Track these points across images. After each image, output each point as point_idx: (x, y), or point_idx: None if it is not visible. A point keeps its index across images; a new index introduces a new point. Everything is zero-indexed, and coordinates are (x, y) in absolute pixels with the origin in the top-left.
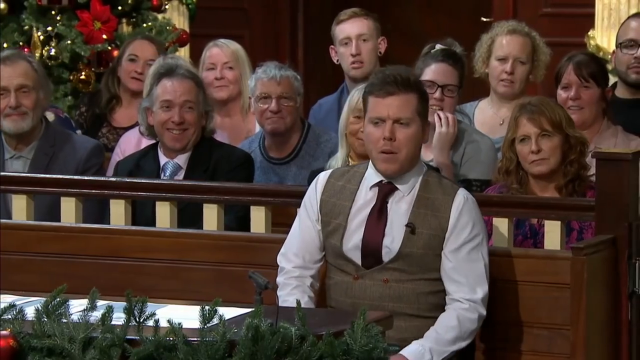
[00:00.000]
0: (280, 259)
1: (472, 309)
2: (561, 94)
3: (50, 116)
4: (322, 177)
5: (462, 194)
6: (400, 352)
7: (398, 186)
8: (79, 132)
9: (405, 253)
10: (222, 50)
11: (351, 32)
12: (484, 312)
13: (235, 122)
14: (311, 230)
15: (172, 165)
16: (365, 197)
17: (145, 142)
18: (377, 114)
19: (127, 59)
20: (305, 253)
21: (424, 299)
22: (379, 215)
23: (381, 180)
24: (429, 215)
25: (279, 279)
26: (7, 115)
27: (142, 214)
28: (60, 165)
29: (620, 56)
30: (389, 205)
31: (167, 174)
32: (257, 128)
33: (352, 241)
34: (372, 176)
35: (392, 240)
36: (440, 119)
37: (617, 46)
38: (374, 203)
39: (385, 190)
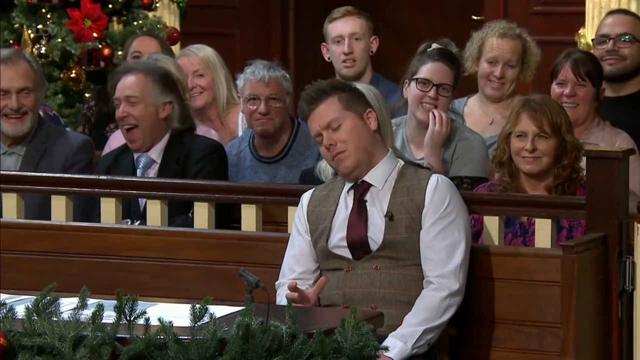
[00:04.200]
0: (277, 282)
1: (441, 287)
2: (555, 89)
3: None
4: (307, 194)
5: (436, 176)
6: None
7: (371, 182)
8: (68, 129)
9: (390, 240)
10: (189, 59)
11: (344, 30)
12: (456, 286)
13: (216, 127)
14: (302, 243)
15: (145, 158)
16: (346, 201)
17: None
18: (314, 133)
19: (132, 57)
20: (300, 266)
21: (415, 286)
22: (358, 213)
23: (355, 182)
24: (405, 200)
25: (278, 291)
26: (6, 116)
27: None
28: (51, 159)
29: (595, 53)
30: (367, 203)
31: (140, 166)
32: (240, 128)
33: (337, 239)
34: (349, 182)
35: (375, 231)
36: (434, 117)
37: (592, 43)
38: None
39: (361, 190)
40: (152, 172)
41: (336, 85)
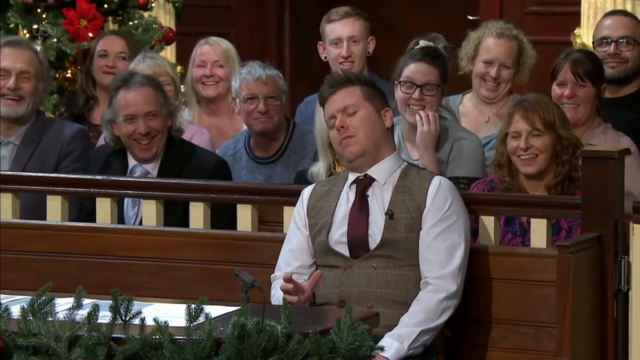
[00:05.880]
0: (273, 275)
1: (439, 289)
2: (556, 89)
3: None
4: (308, 188)
5: (438, 178)
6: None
7: (374, 177)
8: None
9: (389, 239)
10: (213, 48)
11: (342, 33)
12: (454, 288)
13: (223, 122)
14: (300, 237)
15: (141, 170)
16: (347, 195)
17: None
18: (328, 115)
19: (98, 55)
20: (296, 261)
21: (412, 286)
22: (360, 208)
23: (358, 176)
24: (407, 200)
25: (273, 284)
26: (3, 97)
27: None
28: (46, 148)
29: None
30: (369, 198)
31: (134, 177)
32: (245, 127)
33: (337, 235)
34: (351, 176)
35: (375, 229)
36: (421, 118)
37: (592, 45)
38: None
39: (364, 184)
40: None
41: (362, 78)
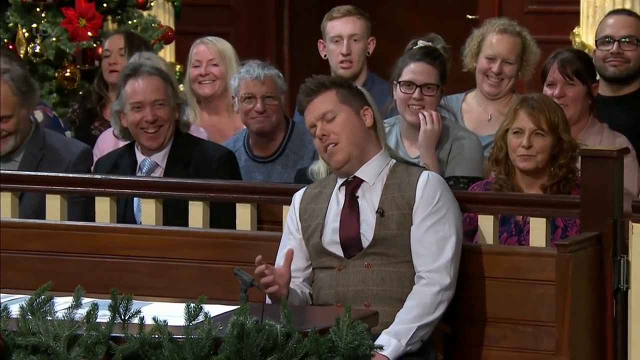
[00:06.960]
0: None
1: (432, 282)
2: (547, 91)
3: (39, 115)
4: (299, 192)
5: (427, 173)
6: None
7: (363, 178)
8: (68, 133)
9: (381, 236)
10: (207, 48)
11: (343, 31)
12: (447, 280)
13: (223, 120)
14: (293, 241)
15: (149, 163)
16: (338, 197)
17: (123, 142)
18: (308, 124)
19: (104, 56)
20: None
21: (408, 282)
22: (350, 209)
23: (347, 178)
24: (396, 197)
25: None
26: None
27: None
28: (49, 168)
29: (597, 53)
30: (359, 199)
31: (144, 171)
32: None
33: (330, 235)
34: (340, 178)
35: (366, 228)
36: (424, 117)
37: (595, 44)
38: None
39: (352, 186)
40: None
41: (336, 81)
